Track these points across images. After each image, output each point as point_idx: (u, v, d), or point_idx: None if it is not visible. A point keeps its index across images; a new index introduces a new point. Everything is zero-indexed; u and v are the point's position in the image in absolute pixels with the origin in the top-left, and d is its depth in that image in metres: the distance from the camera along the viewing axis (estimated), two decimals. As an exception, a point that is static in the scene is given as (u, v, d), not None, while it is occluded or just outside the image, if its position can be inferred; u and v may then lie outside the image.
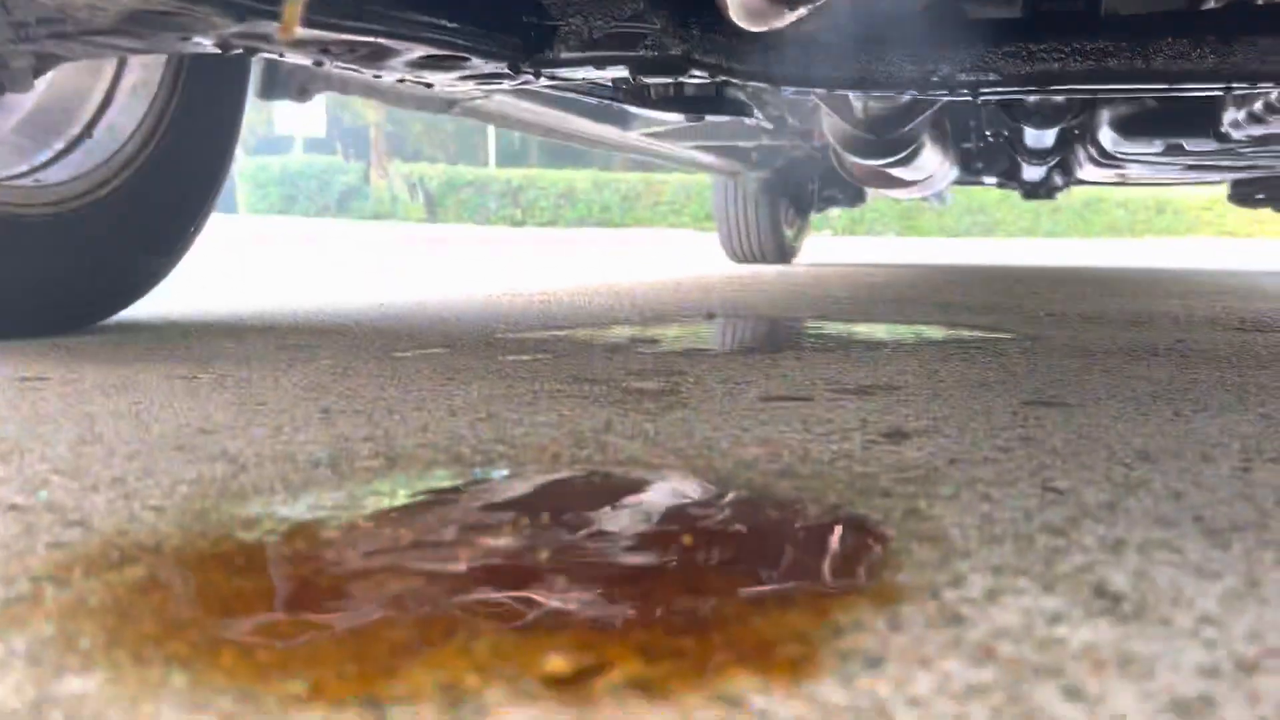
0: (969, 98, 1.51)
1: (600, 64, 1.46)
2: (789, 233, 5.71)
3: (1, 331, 1.65)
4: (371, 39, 1.25)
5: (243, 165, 18.76)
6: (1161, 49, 1.39)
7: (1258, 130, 2.27)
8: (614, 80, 1.71)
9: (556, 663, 0.44)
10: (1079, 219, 20.18)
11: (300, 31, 1.17)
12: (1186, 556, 0.60)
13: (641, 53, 1.42)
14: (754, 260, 5.59)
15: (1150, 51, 1.40)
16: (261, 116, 19.52)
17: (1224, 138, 2.51)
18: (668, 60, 1.41)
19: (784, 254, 5.65)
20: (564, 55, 1.45)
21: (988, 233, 19.67)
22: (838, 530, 0.67)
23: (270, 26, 1.19)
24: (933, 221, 19.74)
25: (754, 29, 1.24)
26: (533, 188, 20.19)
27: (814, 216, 6.25)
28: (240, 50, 1.34)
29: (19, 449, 0.87)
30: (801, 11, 1.14)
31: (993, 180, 4.46)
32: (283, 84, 2.51)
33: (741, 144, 4.36)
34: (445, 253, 8.12)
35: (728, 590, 0.54)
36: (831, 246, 10.64)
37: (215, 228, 2.31)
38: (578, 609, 0.51)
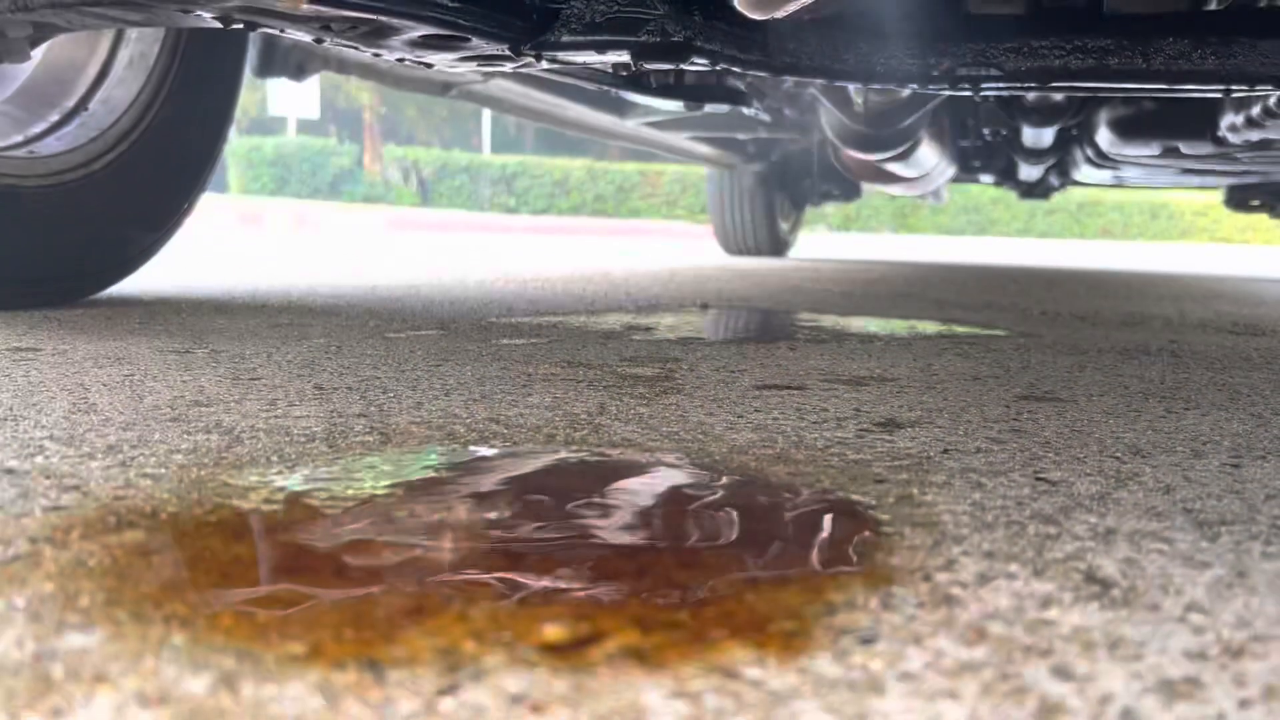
0: (969, 93, 1.51)
1: (601, 48, 1.46)
2: (784, 226, 5.72)
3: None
4: (374, 16, 1.25)
5: (235, 145, 18.69)
6: (1163, 49, 1.40)
7: (1255, 135, 2.27)
8: (614, 66, 1.71)
9: (553, 632, 0.44)
10: (1074, 220, 20.25)
11: (305, 7, 1.16)
12: (1176, 547, 0.61)
13: (643, 38, 1.41)
14: (748, 253, 5.59)
15: (1151, 51, 1.41)
16: (255, 97, 19.43)
17: (1221, 142, 2.51)
18: (669, 46, 1.41)
19: (778, 247, 5.66)
20: (565, 39, 1.45)
21: (982, 231, 19.71)
22: (831, 514, 0.68)
23: (273, 1, 1.19)
24: (928, 219, 19.79)
25: (757, 17, 1.24)
26: (527, 175, 20.15)
27: (809, 211, 6.26)
28: (241, 25, 1.33)
29: (13, 416, 0.86)
30: (806, 0, 1.14)
31: (990, 179, 4.47)
32: (280, 62, 2.50)
33: (739, 136, 4.36)
34: (439, 237, 8.12)
35: (722, 569, 0.55)
36: (826, 242, 10.65)
37: (206, 207, 2.30)
38: (574, 582, 0.51)
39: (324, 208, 13.56)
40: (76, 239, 1.74)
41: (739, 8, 1.22)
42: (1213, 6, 1.43)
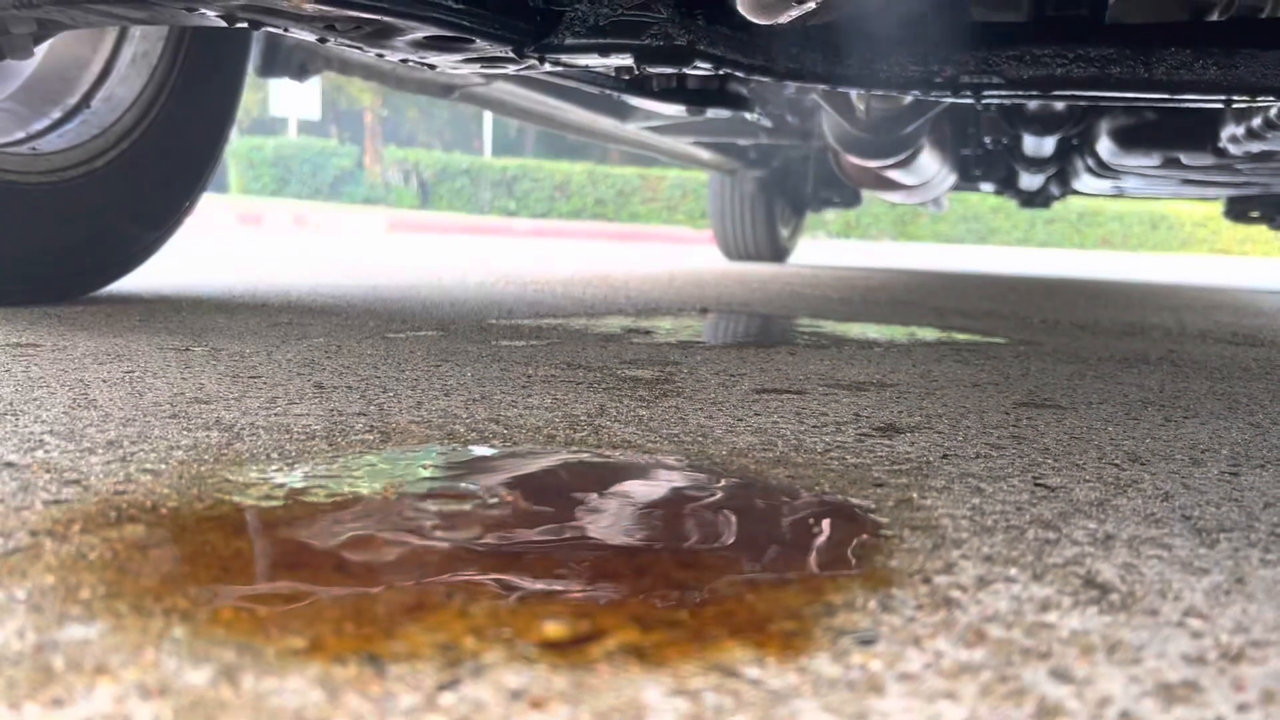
0: (971, 100, 1.51)
1: (605, 51, 1.46)
2: (784, 232, 5.73)
3: (-4, 297, 1.65)
4: (378, 16, 1.25)
5: (235, 145, 18.69)
6: (1164, 58, 1.40)
7: (1256, 147, 2.28)
8: (616, 69, 1.71)
9: (553, 629, 0.44)
10: (1074, 230, 20.28)
11: (308, 7, 1.16)
12: (1175, 553, 0.61)
13: (646, 41, 1.42)
14: (748, 258, 5.60)
15: (1153, 60, 1.41)
16: (256, 97, 19.44)
17: (1222, 153, 2.52)
18: (672, 50, 1.41)
19: (778, 253, 5.66)
20: (568, 41, 1.45)
21: (982, 240, 19.73)
22: (831, 517, 0.68)
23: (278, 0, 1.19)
24: (928, 227, 19.82)
25: (760, 21, 1.25)
26: (527, 178, 20.16)
27: (809, 217, 6.27)
28: (245, 24, 1.33)
29: (13, 411, 0.86)
30: (810, 5, 1.14)
31: (990, 187, 4.48)
32: (283, 62, 2.50)
33: (740, 141, 4.37)
34: (439, 239, 8.12)
35: (722, 569, 0.55)
36: (826, 248, 10.66)
37: (207, 206, 2.30)
38: (574, 581, 0.51)
39: (324, 209, 13.57)
40: (77, 236, 1.74)
41: (742, 12, 1.22)
42: (1214, 17, 1.43)
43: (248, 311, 1.81)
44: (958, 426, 1.00)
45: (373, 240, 7.71)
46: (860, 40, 1.50)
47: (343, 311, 1.89)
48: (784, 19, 1.23)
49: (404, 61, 1.52)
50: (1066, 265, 9.09)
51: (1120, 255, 16.21)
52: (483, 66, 1.57)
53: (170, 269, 2.67)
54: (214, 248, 4.61)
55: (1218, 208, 5.24)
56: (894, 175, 3.19)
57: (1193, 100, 1.48)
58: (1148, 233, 20.36)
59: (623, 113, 3.59)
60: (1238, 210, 4.82)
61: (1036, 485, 0.77)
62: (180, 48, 1.86)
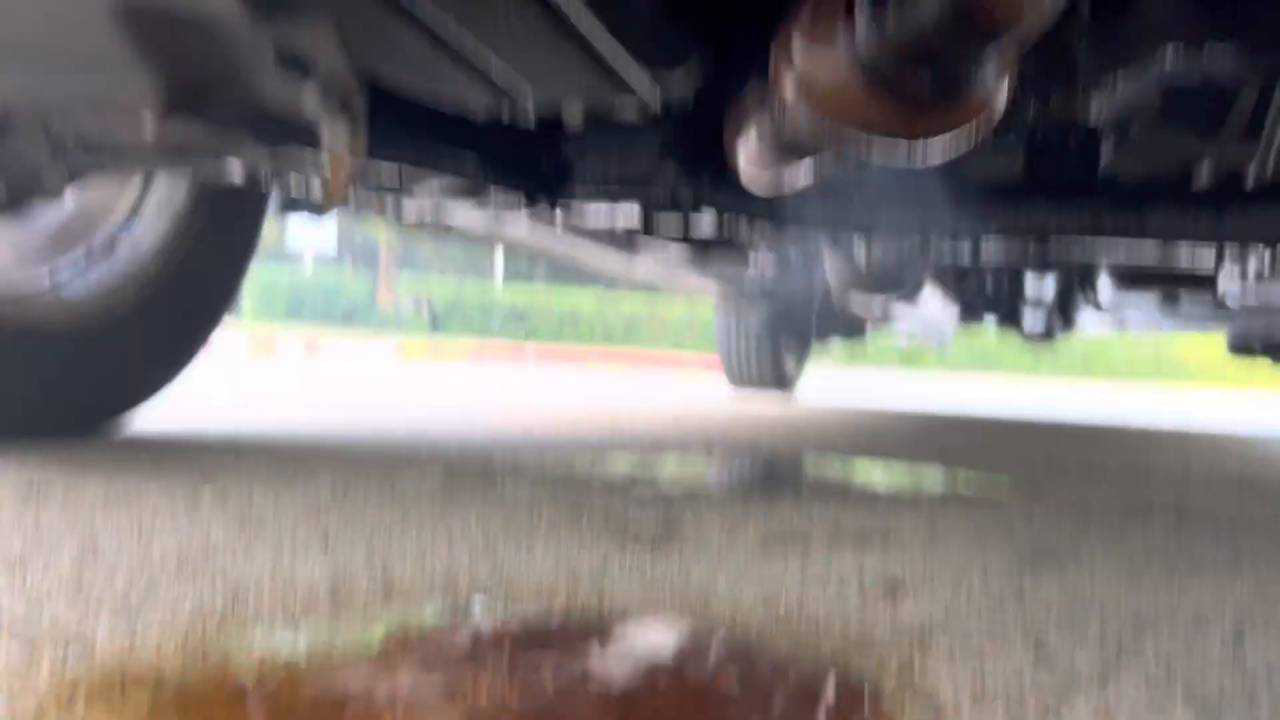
0: (969, 247, 1.55)
1: (614, 198, 1.52)
2: (789, 362, 5.78)
3: (8, 435, 1.66)
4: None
5: (251, 274, 19.02)
6: (1156, 211, 1.45)
7: (1253, 290, 2.32)
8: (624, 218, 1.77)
9: (550, 816, 0.44)
10: (1079, 361, 20.38)
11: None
12: (1177, 728, 0.61)
13: (653, 191, 1.47)
14: (754, 386, 5.64)
15: (1145, 213, 1.46)
16: (272, 231, 19.89)
17: (1220, 298, 2.56)
18: (678, 201, 1.46)
19: (783, 383, 5.70)
20: (579, 191, 1.51)
21: (988, 368, 19.82)
22: (832, 682, 0.68)
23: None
24: (934, 356, 19.93)
25: (761, 195, 1.30)
26: (536, 310, 20.44)
27: (814, 345, 6.33)
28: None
29: (22, 562, 0.87)
30: (807, 183, 1.19)
31: (993, 322, 4.53)
32: (303, 201, 2.58)
33: (745, 276, 4.45)
34: (449, 367, 8.19)
35: (721, 744, 0.55)
36: (832, 377, 10.71)
37: (220, 333, 2.33)
38: (572, 759, 0.51)
39: (336, 337, 13.74)
40: (93, 376, 1.77)
41: (744, 184, 1.27)
42: (1203, 178, 1.48)
43: (256, 452, 1.82)
44: (960, 582, 1.00)
45: (383, 369, 7.79)
46: (860, 193, 1.55)
47: (350, 453, 1.91)
48: (784, 191, 1.27)
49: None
50: (1073, 401, 9.11)
51: (1126, 383, 16.25)
52: (497, 211, 1.62)
53: (182, 399, 2.70)
54: (226, 378, 4.66)
55: (1222, 342, 5.28)
56: (897, 312, 3.24)
57: (1185, 244, 1.52)
58: (1154, 367, 20.47)
59: (631, 246, 3.66)
60: (1240, 345, 4.86)
61: (1038, 647, 0.77)
62: (203, 192, 1.92)
